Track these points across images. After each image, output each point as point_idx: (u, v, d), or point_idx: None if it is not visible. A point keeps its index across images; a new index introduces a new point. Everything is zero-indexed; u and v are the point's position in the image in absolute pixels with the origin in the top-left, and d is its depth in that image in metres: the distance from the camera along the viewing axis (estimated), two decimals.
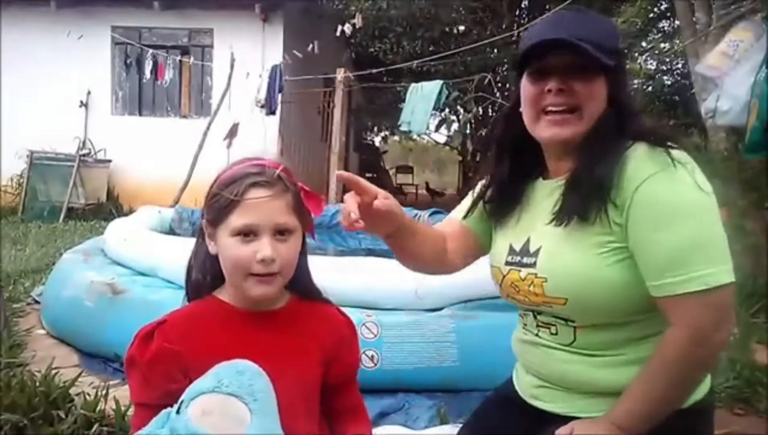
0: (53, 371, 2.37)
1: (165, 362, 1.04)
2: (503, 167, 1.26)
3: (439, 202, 13.64)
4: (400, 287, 2.53)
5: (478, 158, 13.09)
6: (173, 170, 7.87)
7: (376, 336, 2.41)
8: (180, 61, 9.11)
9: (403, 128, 7.93)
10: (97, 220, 7.74)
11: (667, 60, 12.66)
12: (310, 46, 7.70)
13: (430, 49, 10.73)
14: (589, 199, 1.08)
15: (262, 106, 8.15)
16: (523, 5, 12.43)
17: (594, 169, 1.08)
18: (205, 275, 1.15)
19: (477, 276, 1.56)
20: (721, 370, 2.76)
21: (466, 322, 2.45)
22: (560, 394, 1.17)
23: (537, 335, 1.20)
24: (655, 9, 10.62)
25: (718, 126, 4.24)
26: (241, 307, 1.11)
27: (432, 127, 10.24)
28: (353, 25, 7.46)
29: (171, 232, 4.52)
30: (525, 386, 1.26)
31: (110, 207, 8.46)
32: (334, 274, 2.39)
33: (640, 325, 1.10)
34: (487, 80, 7.12)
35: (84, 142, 9.12)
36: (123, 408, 2.10)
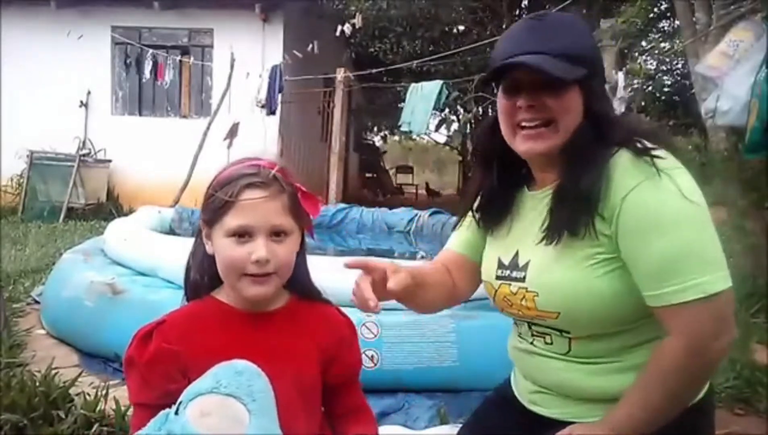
0: (53, 371, 2.37)
1: (164, 362, 1.04)
2: (489, 178, 1.24)
3: (438, 201, 13.64)
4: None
5: None
6: (173, 170, 7.87)
7: (376, 336, 2.41)
8: (180, 61, 9.11)
9: (403, 128, 7.93)
10: (97, 220, 7.74)
11: (667, 60, 12.66)
12: (310, 46, 7.70)
13: (430, 49, 10.73)
14: (576, 213, 1.06)
15: (263, 106, 8.14)
16: (523, 5, 12.44)
17: (578, 183, 1.06)
18: (203, 275, 1.15)
19: None
20: (721, 370, 2.75)
21: (466, 322, 2.45)
22: (558, 400, 1.17)
23: (532, 344, 1.19)
24: (655, 9, 10.63)
25: (718, 126, 4.23)
26: (240, 308, 1.11)
27: (432, 127, 10.24)
28: (353, 25, 7.45)
29: (171, 232, 4.52)
30: (523, 391, 1.26)
31: (110, 207, 8.46)
32: (334, 274, 2.39)
33: (635, 332, 1.09)
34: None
35: (84, 142, 9.12)
36: (123, 408, 2.10)
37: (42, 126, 8.76)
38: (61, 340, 3.04)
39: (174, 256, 2.75)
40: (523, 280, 1.15)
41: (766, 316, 3.60)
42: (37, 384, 2.24)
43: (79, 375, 2.43)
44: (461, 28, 11.20)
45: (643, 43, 12.42)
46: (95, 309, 2.86)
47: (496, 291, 1.21)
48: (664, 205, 1.01)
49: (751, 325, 3.45)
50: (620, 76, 5.66)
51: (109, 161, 8.92)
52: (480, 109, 8.22)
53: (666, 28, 12.58)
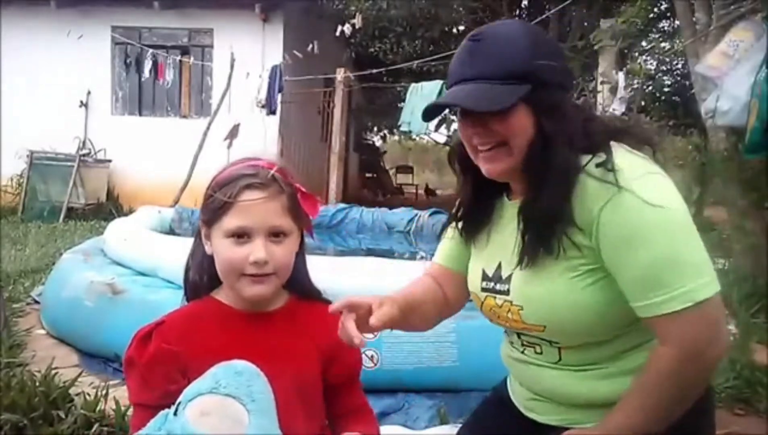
0: (53, 371, 2.37)
1: (163, 363, 1.04)
2: (467, 188, 1.22)
3: (438, 201, 13.64)
4: (400, 287, 2.53)
5: None
6: (173, 170, 7.87)
7: (375, 336, 2.40)
8: (180, 61, 9.10)
9: (403, 128, 7.94)
10: (97, 220, 7.74)
11: (667, 60, 12.66)
12: (310, 46, 7.69)
13: (430, 49, 10.73)
14: (546, 232, 1.04)
15: (263, 106, 8.14)
16: (522, 5, 12.45)
17: (539, 202, 1.04)
18: (202, 276, 1.15)
19: None
20: (721, 370, 2.75)
21: (466, 322, 2.45)
22: (553, 407, 1.16)
23: (523, 353, 1.18)
24: (655, 9, 10.62)
25: (718, 126, 4.23)
26: (239, 308, 1.11)
27: (432, 127, 10.24)
28: (353, 25, 7.45)
29: (171, 232, 4.52)
30: (519, 397, 1.25)
31: (110, 207, 8.46)
32: (334, 274, 2.39)
33: (625, 338, 1.08)
34: None
35: (84, 142, 9.12)
36: (123, 408, 2.10)
37: (42, 126, 8.76)
38: (61, 340, 3.04)
39: (174, 256, 2.75)
40: (507, 292, 1.13)
41: (766, 316, 3.60)
42: (37, 384, 2.24)
43: (79, 375, 2.43)
44: (461, 28, 11.20)
45: (643, 43, 12.42)
46: (95, 309, 2.86)
47: (482, 303, 1.20)
48: (641, 215, 0.98)
49: (751, 325, 3.44)
50: (620, 76, 5.66)
51: (109, 161, 8.92)
52: None
53: (666, 28, 12.59)
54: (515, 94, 1.03)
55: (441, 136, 16.72)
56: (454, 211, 1.27)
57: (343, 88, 8.09)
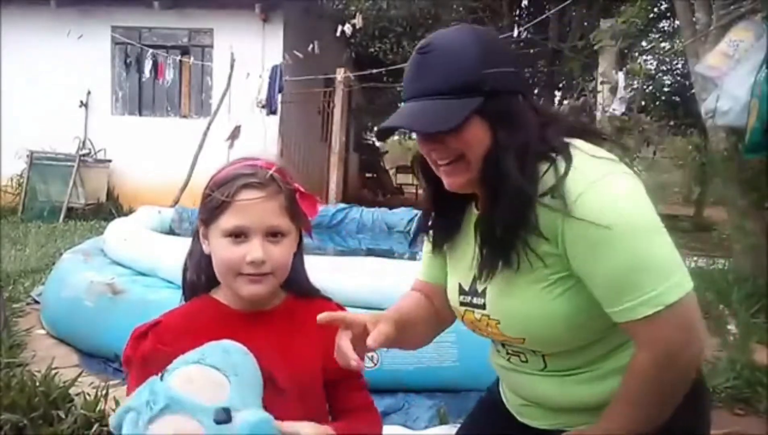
0: (53, 371, 2.37)
1: (158, 364, 1.04)
2: (431, 198, 1.18)
3: None
4: (400, 287, 2.53)
5: None
6: (173, 170, 7.87)
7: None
8: (180, 61, 9.10)
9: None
10: (97, 220, 7.75)
11: (667, 60, 12.66)
12: (310, 46, 7.70)
13: None
14: (504, 246, 1.02)
15: (263, 106, 8.15)
16: (522, 5, 12.45)
17: (497, 215, 1.01)
18: (200, 275, 1.15)
19: None
20: (721, 370, 2.76)
21: None
22: (543, 412, 1.15)
23: (509, 361, 1.17)
24: (655, 9, 10.62)
25: (718, 126, 4.24)
26: (237, 307, 1.11)
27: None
28: (353, 25, 7.45)
29: (171, 232, 4.52)
30: (511, 403, 1.25)
31: (110, 207, 8.46)
32: (334, 274, 2.39)
33: (608, 339, 1.06)
34: None
35: (84, 142, 9.11)
36: None
37: (42, 126, 8.76)
38: (61, 340, 3.04)
39: (174, 256, 2.75)
40: (483, 307, 1.11)
41: (766, 316, 3.60)
42: (37, 384, 2.24)
43: (79, 375, 2.43)
44: None
45: (643, 43, 12.42)
46: (95, 309, 2.86)
47: (462, 316, 1.18)
48: (603, 221, 0.94)
49: (751, 325, 3.45)
50: (620, 76, 5.66)
51: (109, 161, 8.92)
52: None
53: (666, 28, 12.59)
54: (467, 108, 0.99)
55: None
56: (421, 223, 1.22)
57: (343, 88, 8.09)
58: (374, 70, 8.54)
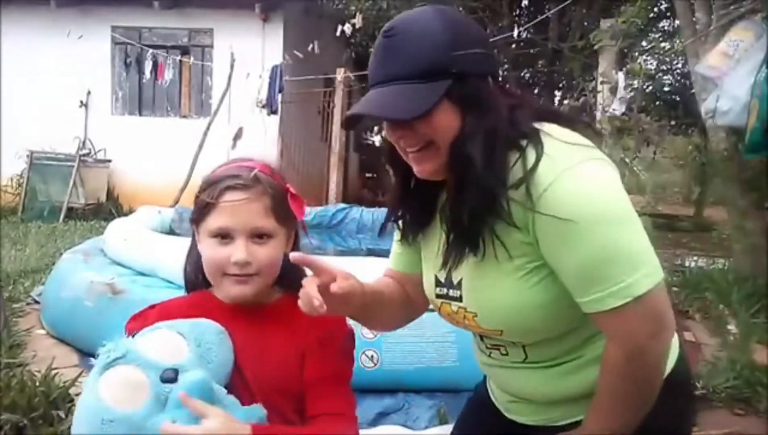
0: (53, 371, 2.38)
1: None
2: (401, 188, 1.14)
3: None
4: None
5: None
6: (173, 170, 7.87)
7: (375, 336, 2.41)
8: (180, 61, 9.11)
9: None
10: (97, 220, 7.75)
11: (667, 60, 12.66)
12: (310, 46, 7.70)
13: None
14: (471, 233, 0.99)
15: (263, 106, 8.15)
16: (522, 5, 12.45)
17: (462, 202, 0.98)
18: (197, 273, 1.17)
19: None
20: (721, 370, 2.76)
21: None
22: (530, 407, 1.14)
23: (490, 356, 1.15)
24: (655, 9, 10.62)
25: (718, 126, 4.24)
26: (228, 303, 1.13)
27: None
28: (353, 25, 7.45)
29: (171, 232, 4.52)
30: (498, 400, 1.24)
31: (110, 207, 8.46)
32: None
33: (587, 326, 1.04)
34: None
35: (84, 142, 9.11)
36: None
37: (42, 126, 8.76)
38: (61, 340, 3.04)
39: (174, 256, 2.75)
40: (460, 299, 1.09)
41: (766, 316, 3.60)
42: (37, 384, 2.24)
43: (79, 375, 2.43)
44: None
45: (643, 43, 12.42)
46: (95, 309, 2.86)
47: (439, 309, 1.16)
48: (572, 210, 0.93)
49: (751, 325, 3.45)
50: (620, 76, 5.65)
51: (109, 161, 8.92)
52: None
53: (666, 28, 12.58)
54: (435, 93, 0.96)
55: None
56: (389, 214, 1.18)
57: (343, 88, 8.09)
58: None
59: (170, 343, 1.00)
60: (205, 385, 0.95)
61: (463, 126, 0.98)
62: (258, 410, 1.01)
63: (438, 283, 1.14)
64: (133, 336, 1.01)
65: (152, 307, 1.14)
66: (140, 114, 9.61)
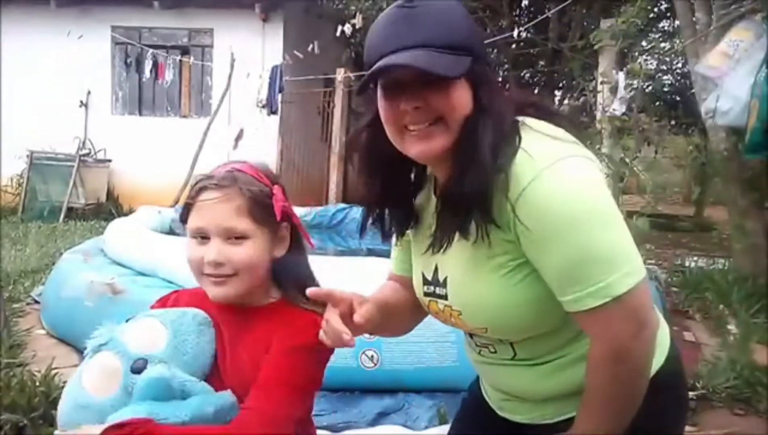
0: (53, 371, 2.38)
1: None
2: (377, 185, 1.10)
3: None
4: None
5: None
6: (173, 170, 7.86)
7: (373, 337, 2.40)
8: (180, 61, 9.10)
9: None
10: (97, 220, 7.74)
11: (667, 60, 12.66)
12: (310, 46, 7.70)
13: None
14: (465, 215, 0.97)
15: (263, 106, 8.15)
16: (522, 5, 12.44)
17: (464, 182, 0.96)
18: None
19: None
20: (721, 370, 2.76)
21: None
22: (523, 405, 1.13)
23: (480, 354, 1.15)
24: (655, 9, 10.62)
25: (718, 126, 4.24)
26: (218, 303, 1.14)
27: None
28: (353, 25, 7.45)
29: (171, 232, 4.52)
30: (491, 398, 1.23)
31: (110, 207, 8.46)
32: (334, 275, 2.39)
33: (574, 323, 1.01)
34: None
35: (84, 142, 9.10)
36: None
37: (42, 126, 8.75)
38: (61, 340, 3.04)
39: (174, 256, 2.76)
40: (445, 297, 1.08)
41: (766, 316, 3.60)
42: (37, 384, 2.24)
43: None
44: None
45: (643, 43, 12.40)
46: (95, 309, 2.86)
47: (428, 307, 1.16)
48: (553, 209, 0.92)
49: (751, 325, 3.45)
50: (620, 76, 5.65)
51: (109, 161, 8.92)
52: None
53: (666, 28, 12.57)
54: (461, 65, 0.95)
55: None
56: (365, 216, 1.15)
57: (343, 88, 8.09)
58: None
59: (151, 332, 1.04)
60: (160, 383, 0.98)
61: (475, 106, 0.98)
62: (227, 396, 1.03)
63: (425, 282, 1.13)
64: (126, 321, 1.07)
65: (176, 292, 1.22)
66: (140, 114, 9.61)
